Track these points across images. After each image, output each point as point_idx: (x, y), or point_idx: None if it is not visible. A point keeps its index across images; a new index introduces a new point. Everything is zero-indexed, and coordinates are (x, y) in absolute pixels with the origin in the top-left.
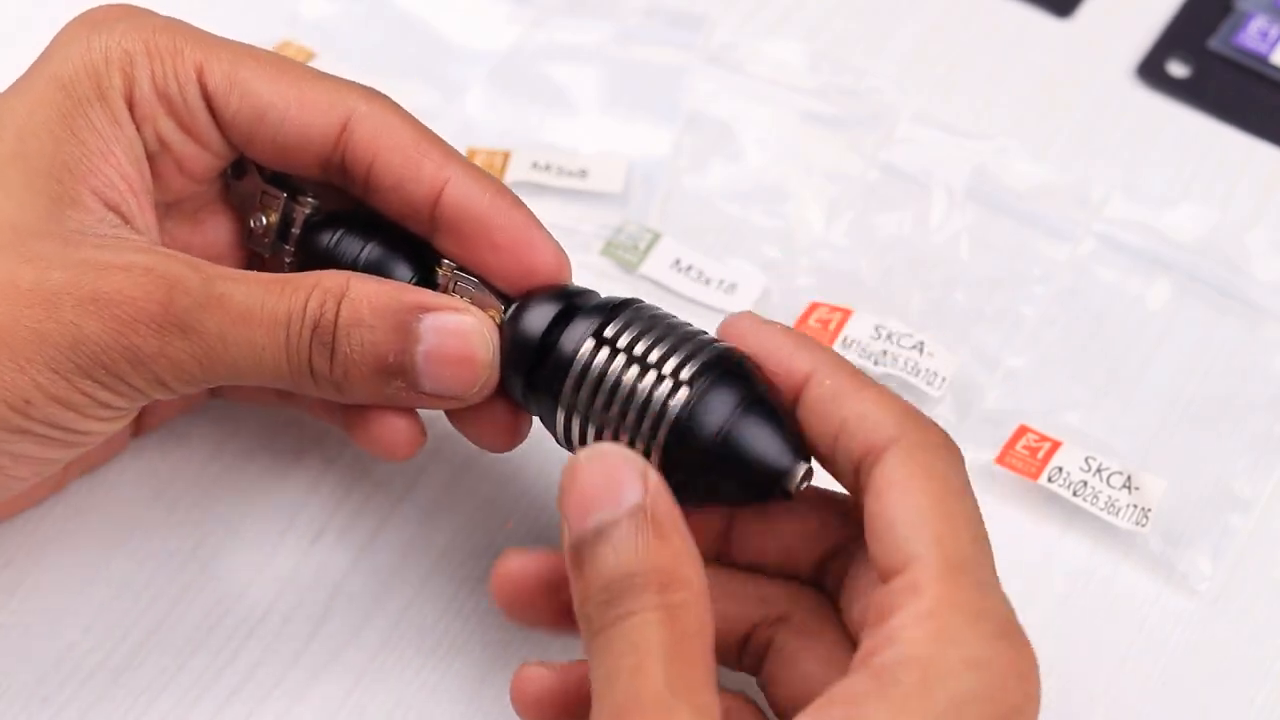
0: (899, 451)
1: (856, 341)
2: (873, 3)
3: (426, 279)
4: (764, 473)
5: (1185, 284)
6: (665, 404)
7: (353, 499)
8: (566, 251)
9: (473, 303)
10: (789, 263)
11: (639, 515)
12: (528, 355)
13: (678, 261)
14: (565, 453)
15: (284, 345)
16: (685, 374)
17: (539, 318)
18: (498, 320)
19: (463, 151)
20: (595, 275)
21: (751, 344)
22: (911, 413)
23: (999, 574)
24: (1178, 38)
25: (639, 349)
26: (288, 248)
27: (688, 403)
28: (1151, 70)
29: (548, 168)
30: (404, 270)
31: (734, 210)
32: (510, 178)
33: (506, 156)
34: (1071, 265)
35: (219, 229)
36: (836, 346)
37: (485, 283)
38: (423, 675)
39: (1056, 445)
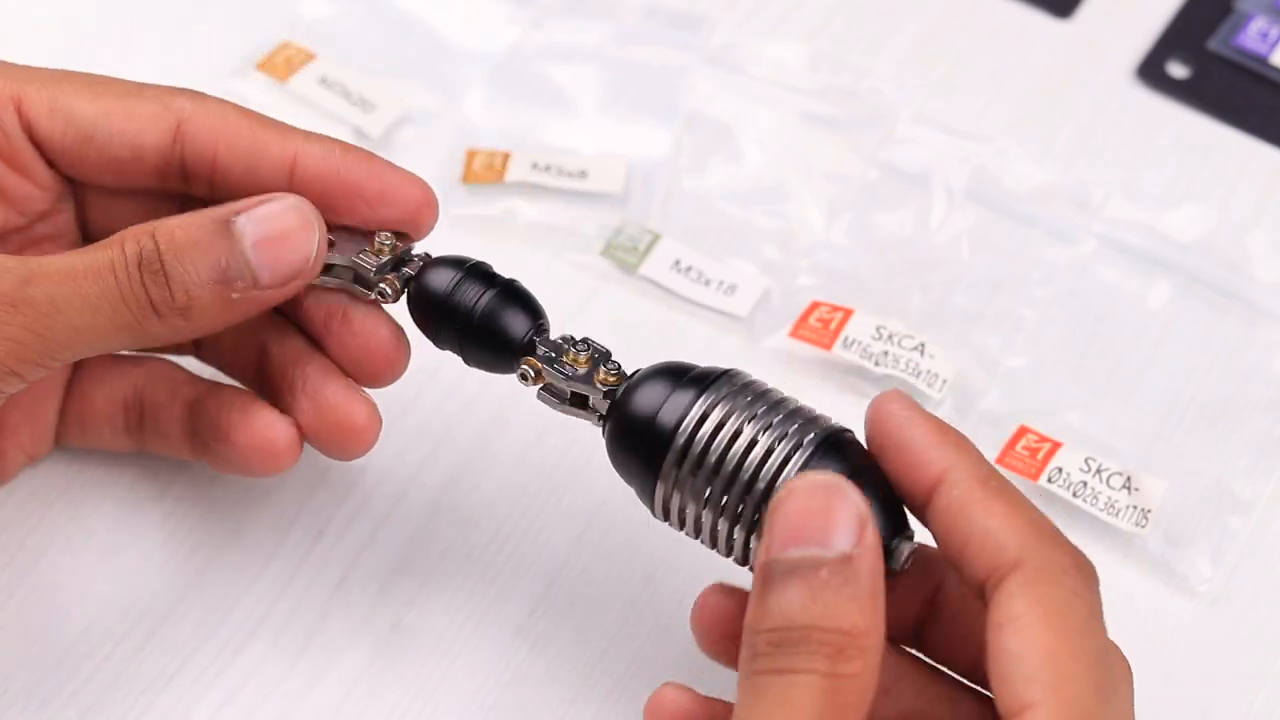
0: (1019, 580)
1: (857, 341)
2: (873, 3)
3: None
4: None
5: (1185, 284)
6: (767, 484)
7: (353, 499)
8: (567, 252)
9: (590, 375)
10: (789, 263)
11: (844, 567)
12: (636, 430)
13: (677, 262)
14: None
15: (116, 289)
16: (780, 452)
17: (650, 399)
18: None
19: (462, 153)
20: (595, 276)
21: (893, 430)
22: (1038, 532)
23: None
24: (1177, 38)
25: (735, 426)
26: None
27: (783, 482)
28: (1151, 71)
29: (547, 168)
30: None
31: (734, 210)
32: (510, 178)
33: (506, 157)
34: (1071, 266)
35: None
36: (837, 347)
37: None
38: (422, 676)
39: (1056, 446)
